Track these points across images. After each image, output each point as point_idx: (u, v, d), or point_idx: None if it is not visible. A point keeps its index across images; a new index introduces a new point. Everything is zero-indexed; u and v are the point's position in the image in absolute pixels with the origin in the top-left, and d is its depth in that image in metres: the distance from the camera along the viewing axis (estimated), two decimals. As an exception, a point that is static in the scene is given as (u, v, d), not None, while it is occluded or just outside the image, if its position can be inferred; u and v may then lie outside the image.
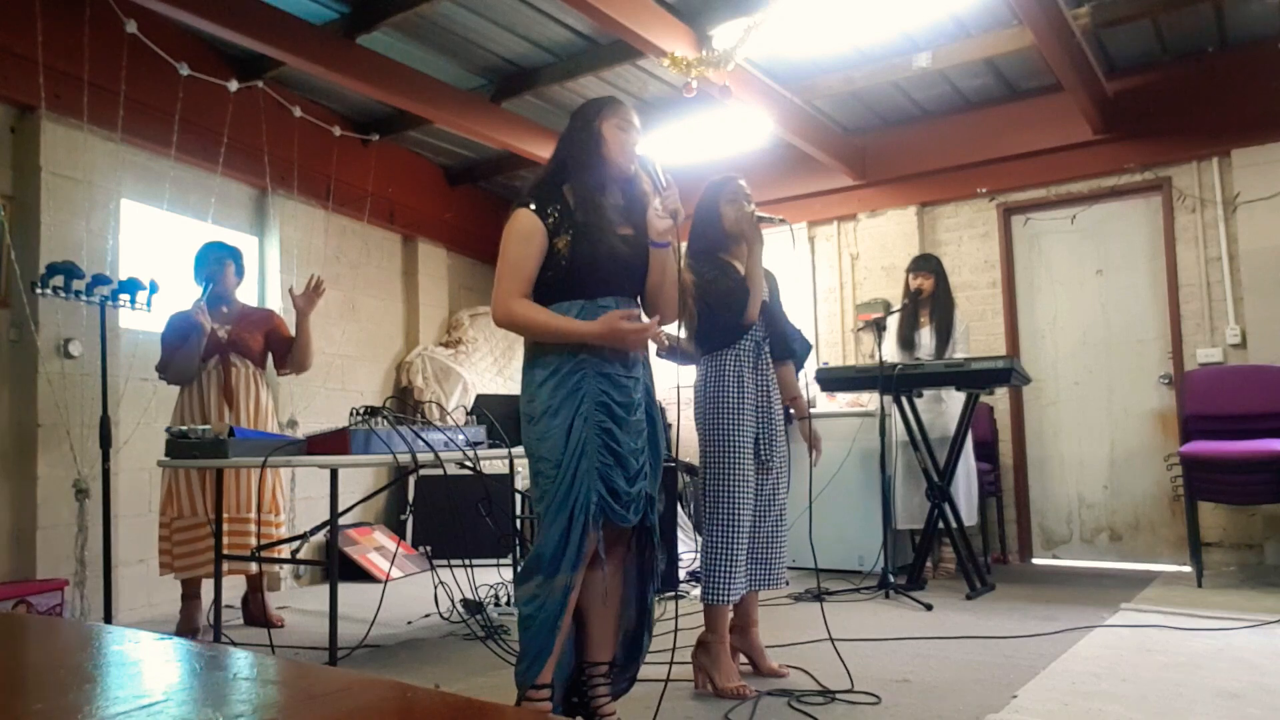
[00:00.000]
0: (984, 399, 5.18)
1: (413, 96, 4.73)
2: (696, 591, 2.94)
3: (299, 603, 4.59)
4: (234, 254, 4.00)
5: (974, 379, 4.20)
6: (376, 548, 5.41)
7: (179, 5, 3.69)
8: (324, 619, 3.20)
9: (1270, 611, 3.57)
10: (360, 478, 5.50)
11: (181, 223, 4.66)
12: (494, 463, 3.66)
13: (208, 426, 3.31)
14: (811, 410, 5.21)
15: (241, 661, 1.11)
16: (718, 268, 2.89)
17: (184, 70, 4.30)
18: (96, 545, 3.80)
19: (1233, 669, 2.80)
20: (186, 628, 3.76)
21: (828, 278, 6.06)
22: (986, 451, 5.23)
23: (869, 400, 5.08)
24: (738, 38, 4.01)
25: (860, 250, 5.94)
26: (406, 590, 4.64)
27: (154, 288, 3.71)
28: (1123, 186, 5.20)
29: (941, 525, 4.41)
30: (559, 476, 2.18)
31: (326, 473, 3.12)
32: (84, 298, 3.54)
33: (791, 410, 3.23)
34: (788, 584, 3.04)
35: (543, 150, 5.35)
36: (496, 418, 3.54)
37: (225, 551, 3.46)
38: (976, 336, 5.30)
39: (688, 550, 4.99)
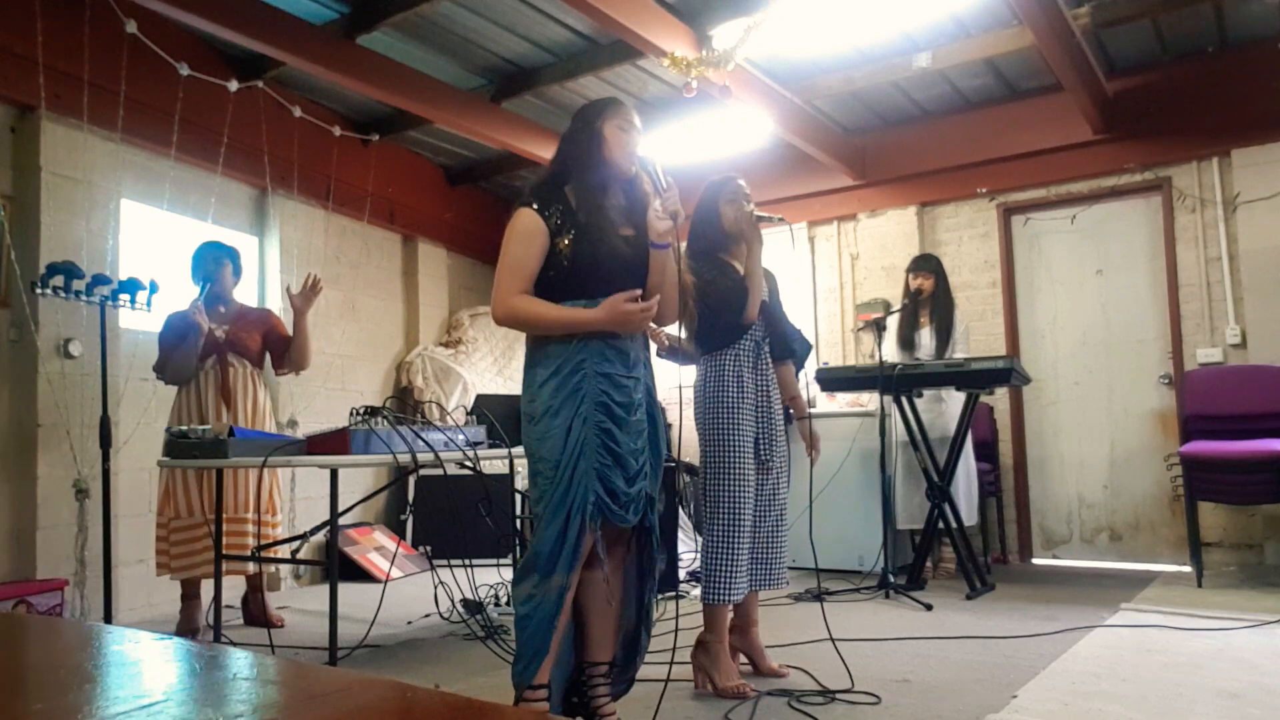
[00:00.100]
0: (984, 399, 5.18)
1: (413, 96, 4.73)
2: (696, 591, 2.94)
3: (299, 603, 4.59)
4: (231, 254, 4.00)
5: (974, 379, 4.20)
6: (376, 548, 5.41)
7: (179, 5, 3.69)
8: (324, 619, 3.20)
9: (1270, 611, 3.57)
10: (360, 478, 5.50)
11: (181, 223, 4.66)
12: (494, 463, 3.66)
13: (207, 426, 3.30)
14: (811, 410, 5.21)
15: (241, 661, 1.11)
16: (717, 268, 2.89)
17: (184, 70, 4.30)
18: (96, 545, 3.80)
19: (1233, 669, 2.80)
20: (186, 628, 3.76)
21: (828, 278, 6.06)
22: (986, 451, 5.23)
23: (869, 400, 5.08)
24: (738, 38, 4.01)
25: (860, 250, 5.94)
26: (406, 590, 4.64)
27: (154, 288, 3.71)
28: (1123, 186, 5.20)
29: (941, 525, 4.41)
30: (557, 476, 2.18)
31: (326, 473, 3.12)
32: (84, 298, 3.54)
33: (790, 410, 3.22)
34: (788, 584, 3.04)
35: (543, 150, 5.35)
36: (496, 418, 3.54)
37: (224, 552, 3.46)
38: (976, 336, 5.31)
39: (688, 550, 4.99)
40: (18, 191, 3.98)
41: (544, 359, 2.26)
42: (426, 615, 3.96)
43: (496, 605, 4.06)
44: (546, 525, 2.18)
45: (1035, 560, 5.37)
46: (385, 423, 3.16)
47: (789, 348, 3.21)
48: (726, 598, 2.77)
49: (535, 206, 2.26)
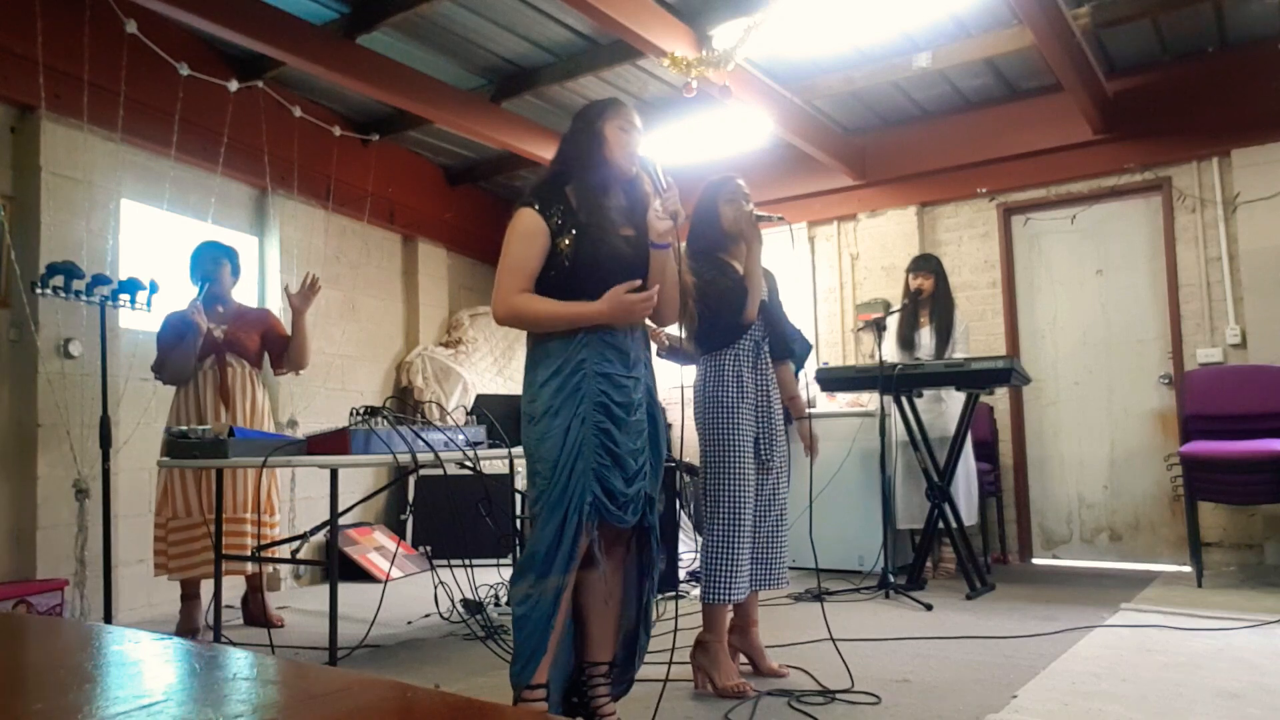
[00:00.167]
0: (984, 399, 5.18)
1: (413, 96, 4.73)
2: (696, 591, 2.94)
3: (299, 603, 4.59)
4: (230, 253, 4.00)
5: (974, 379, 4.20)
6: (376, 548, 5.41)
7: (179, 5, 3.69)
8: (324, 619, 3.20)
9: (1270, 611, 3.57)
10: (360, 478, 5.50)
11: (181, 223, 4.66)
12: (494, 463, 3.66)
13: (207, 427, 3.30)
14: (812, 410, 5.22)
15: (241, 661, 1.11)
16: (716, 267, 2.89)
17: (184, 70, 4.30)
18: (96, 545, 3.80)
19: (1233, 669, 2.80)
20: (186, 628, 3.76)
21: (828, 278, 6.06)
22: (986, 451, 5.23)
23: (869, 400, 5.09)
24: (738, 38, 4.01)
25: (860, 250, 5.94)
26: (406, 590, 4.64)
27: (154, 288, 3.71)
28: (1123, 186, 5.20)
29: (941, 525, 4.41)
30: (555, 476, 2.18)
31: (326, 473, 3.12)
32: (84, 298, 3.54)
33: (789, 410, 3.22)
34: (788, 584, 3.03)
35: (543, 150, 5.35)
36: (496, 418, 3.54)
37: (223, 552, 3.46)
38: (976, 336, 5.31)
39: (688, 550, 4.99)
40: (18, 191, 3.98)
41: (545, 359, 2.26)
42: (426, 615, 3.96)
43: (496, 605, 4.06)
44: (543, 525, 2.18)
45: (1035, 560, 5.37)
46: (385, 423, 3.16)
47: (788, 347, 3.21)
48: (726, 597, 2.77)
49: (536, 207, 2.27)
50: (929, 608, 3.88)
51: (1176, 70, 4.95)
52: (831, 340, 6.00)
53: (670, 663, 2.42)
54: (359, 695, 0.97)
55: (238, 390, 3.85)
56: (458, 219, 6.49)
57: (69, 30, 3.95)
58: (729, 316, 2.85)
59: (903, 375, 4.32)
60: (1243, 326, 4.79)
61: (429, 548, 5.34)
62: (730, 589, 2.77)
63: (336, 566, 3.13)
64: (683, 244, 2.40)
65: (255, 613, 3.99)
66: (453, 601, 3.73)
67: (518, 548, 4.38)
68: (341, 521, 4.48)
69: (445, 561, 4.39)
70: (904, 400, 4.42)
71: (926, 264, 4.84)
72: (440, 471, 3.34)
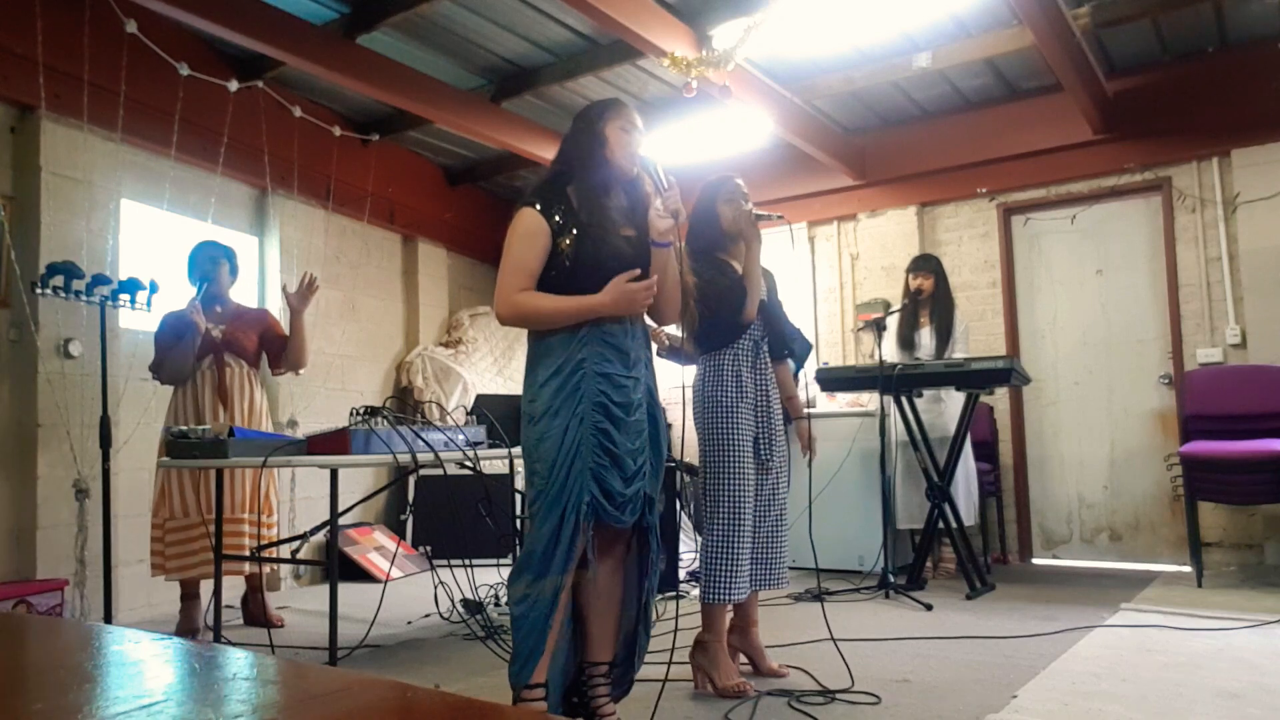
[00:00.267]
0: (984, 399, 5.18)
1: (413, 96, 4.73)
2: (697, 591, 2.94)
3: (299, 603, 4.59)
4: (228, 253, 4.00)
5: (974, 379, 4.20)
6: (376, 548, 5.41)
7: (179, 5, 3.69)
8: (324, 619, 3.20)
9: (1270, 611, 3.57)
10: (360, 478, 5.50)
11: (181, 223, 4.66)
12: (494, 463, 3.66)
13: (207, 427, 3.30)
14: (812, 410, 5.22)
15: (241, 661, 1.11)
16: (715, 267, 2.89)
17: (184, 70, 4.30)
18: (96, 545, 3.80)
19: (1233, 669, 2.80)
20: (186, 628, 3.76)
21: (828, 278, 6.06)
22: (986, 451, 5.23)
23: (869, 400, 5.09)
24: (738, 38, 4.01)
25: (860, 250, 5.94)
26: (406, 590, 4.64)
27: (154, 288, 3.71)
28: (1123, 186, 5.20)
29: (941, 525, 4.41)
30: (553, 476, 2.19)
31: (326, 473, 3.12)
32: (84, 298, 3.54)
33: (787, 410, 3.22)
34: (788, 584, 3.03)
35: (543, 150, 5.35)
36: (496, 418, 3.54)
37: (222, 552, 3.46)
38: (976, 336, 5.31)
39: (688, 550, 4.99)
40: (18, 191, 3.98)
41: (545, 358, 2.26)
42: (426, 615, 3.96)
43: (496, 605, 4.06)
44: (541, 525, 2.19)
45: (1035, 560, 5.37)
46: (385, 423, 3.16)
47: (787, 347, 3.21)
48: (726, 597, 2.77)
49: (537, 206, 2.27)
50: (929, 608, 3.88)
51: (1176, 70, 4.95)
52: (831, 340, 6.00)
53: (670, 663, 2.42)
54: (359, 695, 0.97)
55: (236, 390, 3.85)
56: (458, 219, 6.50)
57: (69, 30, 3.95)
58: (728, 316, 2.85)
59: (903, 375, 4.32)
60: (1243, 326, 4.79)
61: (429, 548, 5.34)
62: (730, 589, 2.77)
63: (336, 566, 3.13)
64: (682, 244, 2.39)
65: (255, 613, 3.99)
66: (453, 601, 3.73)
67: (517, 547, 4.38)
68: (341, 521, 4.48)
69: (445, 561, 4.39)
70: (904, 400, 4.42)
71: (926, 264, 4.84)
72: (440, 471, 3.34)
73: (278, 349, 4.00)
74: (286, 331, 4.03)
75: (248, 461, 3.11)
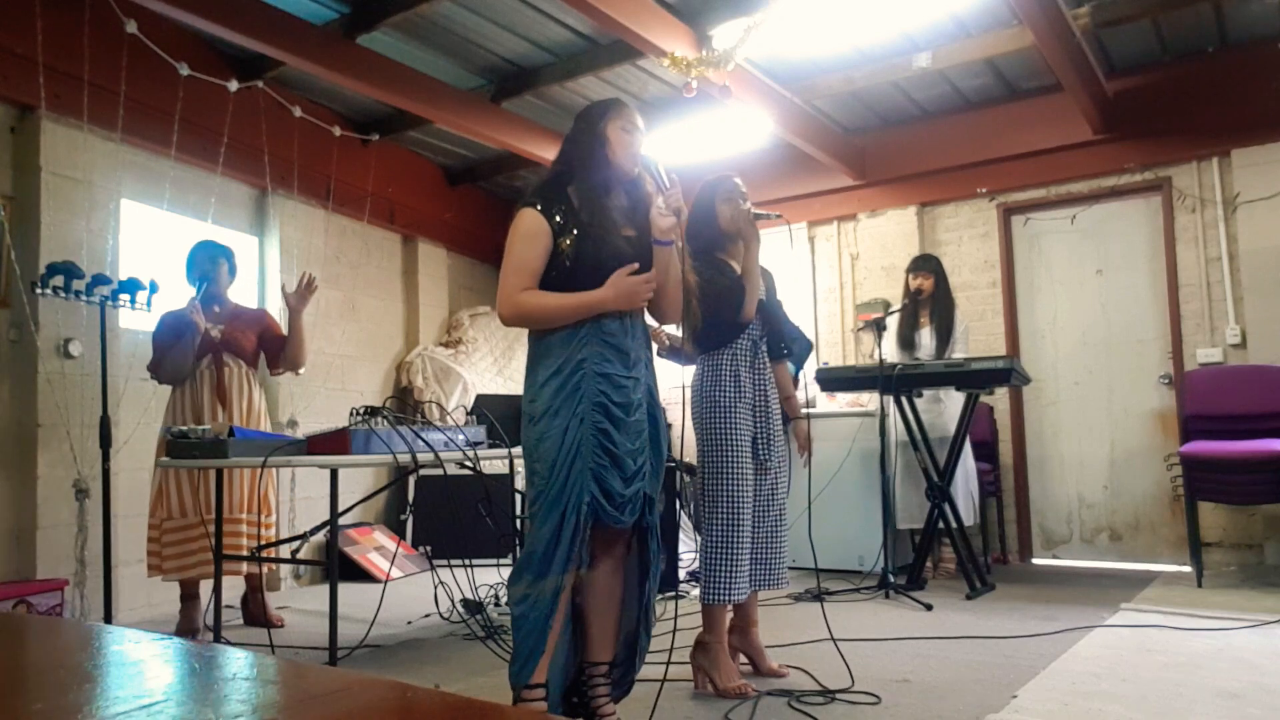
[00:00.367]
0: (984, 399, 5.18)
1: (413, 96, 4.73)
2: (697, 591, 2.94)
3: (299, 603, 4.59)
4: (227, 253, 4.00)
5: (974, 379, 4.20)
6: (376, 548, 5.41)
7: (179, 5, 3.69)
8: (324, 619, 3.20)
9: (1270, 611, 3.57)
10: (360, 478, 5.50)
11: (181, 223, 4.66)
12: (494, 463, 3.67)
13: (206, 427, 3.30)
14: (811, 410, 5.22)
15: (241, 661, 1.11)
16: (714, 266, 2.88)
17: (184, 70, 4.30)
18: (96, 545, 3.80)
19: (1233, 669, 2.80)
20: (186, 628, 3.76)
21: (828, 278, 6.06)
22: (986, 451, 5.23)
23: (869, 400, 5.09)
24: (738, 38, 4.01)
25: (860, 250, 5.94)
26: (406, 590, 4.64)
27: (154, 288, 3.71)
28: (1123, 186, 5.20)
29: (941, 525, 4.41)
30: (553, 476, 2.19)
31: (326, 473, 3.12)
32: (84, 298, 3.54)
33: (785, 410, 3.21)
34: (788, 584, 3.03)
35: (543, 150, 5.35)
36: (496, 418, 3.54)
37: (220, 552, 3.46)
38: (976, 336, 5.31)
39: (688, 550, 4.99)
40: (18, 191, 3.98)
41: (545, 358, 2.26)
42: (426, 615, 3.96)
43: (496, 605, 4.06)
44: (541, 525, 2.19)
45: (1035, 560, 5.37)
46: (385, 423, 3.16)
47: (785, 347, 3.20)
48: (726, 598, 2.76)
49: (538, 207, 2.27)
50: (929, 608, 3.88)
51: (1176, 70, 4.95)
52: (831, 340, 6.00)
53: (669, 663, 2.42)
54: (359, 695, 0.97)
55: (234, 390, 3.85)
56: (458, 219, 6.50)
57: (69, 30, 3.95)
58: (727, 316, 2.84)
59: (903, 375, 4.32)
60: (1243, 326, 4.79)
61: (429, 548, 5.34)
62: (729, 589, 2.77)
63: (336, 566, 3.14)
64: (683, 243, 2.39)
65: (255, 613, 3.99)
66: (453, 601, 3.73)
67: (517, 548, 4.38)
68: (341, 521, 4.48)
69: (445, 561, 4.39)
70: (904, 400, 4.42)
71: (926, 264, 4.84)
72: (440, 471, 3.34)
73: (276, 349, 4.00)
74: (285, 331, 4.03)
75: (248, 461, 3.11)
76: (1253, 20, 4.55)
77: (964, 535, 4.39)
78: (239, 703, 0.94)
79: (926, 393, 4.63)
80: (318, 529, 3.43)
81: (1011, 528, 5.40)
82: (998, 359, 4.17)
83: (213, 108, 4.58)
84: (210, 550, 3.49)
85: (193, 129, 4.53)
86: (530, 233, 2.26)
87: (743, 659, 2.97)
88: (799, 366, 4.64)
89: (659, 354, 3.19)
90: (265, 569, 4.16)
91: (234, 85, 4.60)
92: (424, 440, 3.11)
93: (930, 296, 4.77)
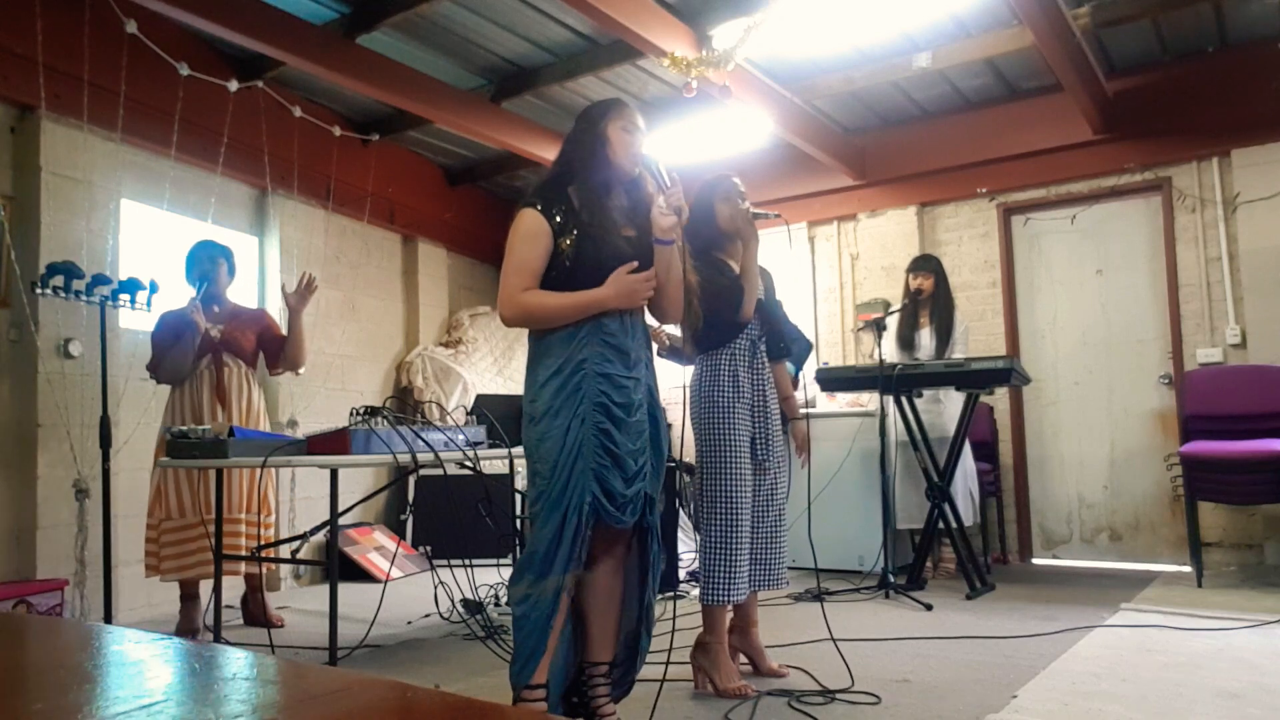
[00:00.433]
0: (984, 399, 5.18)
1: (413, 96, 4.73)
2: (697, 591, 2.94)
3: (299, 603, 4.59)
4: (226, 253, 4.00)
5: (974, 379, 4.20)
6: (376, 548, 5.41)
7: (179, 5, 3.69)
8: (324, 619, 3.20)
9: (1270, 611, 3.57)
10: (360, 478, 5.50)
11: (181, 223, 4.66)
12: (494, 463, 3.66)
13: (206, 427, 3.30)
14: (811, 410, 5.22)
15: (241, 661, 1.11)
16: (712, 266, 2.88)
17: (184, 70, 4.30)
18: (96, 545, 3.80)
19: (1233, 669, 2.80)
20: (186, 628, 3.76)
21: (828, 278, 6.06)
22: (986, 451, 5.23)
23: (869, 400, 5.09)
24: (738, 38, 4.01)
25: (860, 250, 5.94)
26: (406, 590, 4.64)
27: (154, 288, 3.71)
28: (1123, 186, 5.20)
29: (941, 525, 4.41)
30: (554, 476, 2.18)
31: (326, 473, 3.12)
32: (84, 298, 3.54)
33: (783, 410, 3.20)
34: (788, 584, 3.03)
35: (543, 150, 5.35)
36: (496, 418, 3.53)
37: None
38: (976, 336, 5.31)
39: (688, 550, 4.99)
40: (18, 191, 3.98)
41: (545, 358, 2.26)
42: (426, 615, 3.96)
43: (496, 605, 4.06)
44: (542, 525, 2.19)
45: (1035, 560, 5.37)
46: (385, 423, 3.16)
47: (784, 347, 3.20)
48: (725, 598, 2.76)
49: (538, 207, 2.27)
50: (929, 608, 3.88)
51: (1176, 70, 4.96)
52: (831, 340, 6.00)
53: (669, 663, 2.42)
54: (359, 695, 0.97)
55: (234, 390, 3.84)
56: (458, 219, 6.50)
57: (69, 30, 3.95)
58: (726, 315, 2.84)
59: (903, 375, 4.32)
60: (1243, 326, 4.79)
61: (429, 548, 5.34)
62: (729, 590, 2.76)
63: (336, 566, 3.14)
64: (683, 242, 2.39)
65: (255, 613, 3.99)
66: (453, 601, 3.73)
67: (518, 548, 4.38)
68: (341, 521, 4.48)
69: (445, 561, 4.39)
70: (904, 400, 4.42)
71: (926, 264, 4.84)
72: (440, 471, 3.34)
73: (276, 349, 4.00)
74: (284, 331, 4.03)
75: (248, 461, 3.11)
76: (1253, 20, 4.55)
77: (964, 535, 4.39)
78: (239, 703, 0.94)
79: (926, 393, 4.63)
80: (318, 529, 3.43)
81: (1011, 528, 5.40)
82: (998, 359, 4.17)
83: (213, 108, 4.58)
84: (209, 550, 3.49)
85: (193, 129, 4.53)
86: (531, 233, 2.26)
87: (743, 659, 2.96)
88: (799, 367, 4.64)
89: (659, 354, 3.19)
90: (265, 569, 4.16)
91: (234, 85, 4.60)
92: (424, 440, 3.11)
93: (930, 296, 4.77)
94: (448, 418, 4.30)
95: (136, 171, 4.44)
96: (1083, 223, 5.37)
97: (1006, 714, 2.44)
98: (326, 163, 5.31)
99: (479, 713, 0.89)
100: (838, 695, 2.63)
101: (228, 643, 3.54)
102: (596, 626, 2.33)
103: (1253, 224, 4.77)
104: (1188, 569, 4.53)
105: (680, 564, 4.60)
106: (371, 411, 3.18)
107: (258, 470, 3.59)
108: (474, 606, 3.69)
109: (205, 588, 3.75)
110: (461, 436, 3.30)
